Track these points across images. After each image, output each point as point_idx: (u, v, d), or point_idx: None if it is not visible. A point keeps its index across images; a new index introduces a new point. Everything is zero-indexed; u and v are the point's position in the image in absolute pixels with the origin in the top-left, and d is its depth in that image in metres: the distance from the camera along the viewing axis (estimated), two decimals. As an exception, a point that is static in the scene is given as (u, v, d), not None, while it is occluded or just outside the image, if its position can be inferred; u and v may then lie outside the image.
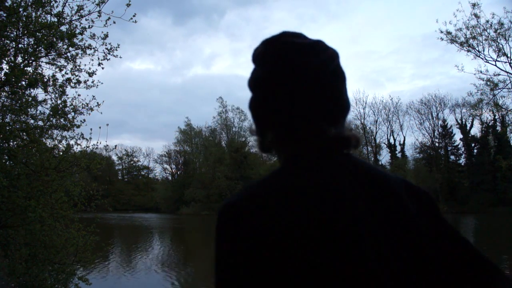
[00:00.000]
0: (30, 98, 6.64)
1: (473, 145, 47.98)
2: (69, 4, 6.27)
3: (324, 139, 0.83)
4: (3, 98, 6.52)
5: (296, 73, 0.83)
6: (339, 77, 0.86)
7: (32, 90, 6.68)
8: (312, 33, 0.90)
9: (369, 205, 0.80)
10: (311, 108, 0.83)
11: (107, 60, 6.83)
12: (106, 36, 6.59)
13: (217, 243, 0.77)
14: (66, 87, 6.80)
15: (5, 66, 6.20)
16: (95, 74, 6.90)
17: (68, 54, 6.83)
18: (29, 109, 6.52)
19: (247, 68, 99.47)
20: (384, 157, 55.28)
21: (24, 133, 6.18)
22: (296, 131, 0.84)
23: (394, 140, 53.33)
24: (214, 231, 0.79)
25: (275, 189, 0.78)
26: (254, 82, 0.89)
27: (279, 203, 0.75)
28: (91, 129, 6.74)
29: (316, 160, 0.83)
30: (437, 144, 51.44)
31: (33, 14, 6.22)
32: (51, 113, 6.38)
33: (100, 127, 6.76)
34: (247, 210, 0.75)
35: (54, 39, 6.28)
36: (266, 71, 0.86)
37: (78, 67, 6.95)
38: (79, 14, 6.28)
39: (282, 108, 0.83)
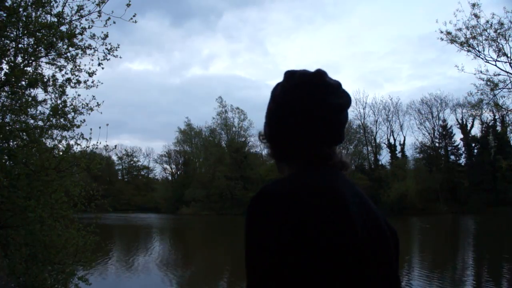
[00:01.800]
0: (30, 98, 6.63)
1: (473, 145, 47.95)
2: (69, 4, 6.25)
3: (331, 158, 1.02)
4: (3, 98, 6.52)
5: (322, 107, 0.99)
6: (346, 118, 1.05)
7: (32, 90, 6.68)
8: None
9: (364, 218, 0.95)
10: (325, 134, 1.01)
11: (107, 60, 6.80)
12: (106, 36, 6.56)
13: (257, 227, 0.87)
14: (66, 87, 6.79)
15: (5, 66, 6.20)
16: (95, 74, 6.89)
17: (68, 54, 6.81)
18: (29, 109, 6.51)
19: (245, 68, 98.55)
20: (384, 157, 55.29)
21: (24, 133, 6.18)
22: (315, 148, 1.00)
23: (394, 140, 53.36)
24: (252, 214, 0.88)
25: (306, 186, 0.91)
26: (293, 106, 1.01)
27: (313, 199, 0.88)
28: (91, 129, 6.73)
29: (327, 170, 1.00)
30: (437, 144, 51.43)
31: (33, 14, 6.21)
32: (51, 113, 6.37)
33: (100, 127, 6.74)
34: (290, 200, 0.87)
35: (54, 39, 6.27)
36: (306, 102, 1.00)
37: (78, 67, 6.93)
38: (79, 14, 6.27)
39: (307, 130, 0.99)
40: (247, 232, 0.88)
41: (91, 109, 6.86)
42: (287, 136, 1.02)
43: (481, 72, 13.85)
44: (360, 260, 0.88)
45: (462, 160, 49.84)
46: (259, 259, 0.84)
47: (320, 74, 1.02)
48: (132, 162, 75.78)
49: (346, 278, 0.86)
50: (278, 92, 1.04)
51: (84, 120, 6.79)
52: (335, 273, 0.85)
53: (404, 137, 60.68)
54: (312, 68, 1.05)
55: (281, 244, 0.83)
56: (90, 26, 6.34)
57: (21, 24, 6.14)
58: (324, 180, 0.96)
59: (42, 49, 6.53)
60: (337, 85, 1.03)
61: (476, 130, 54.27)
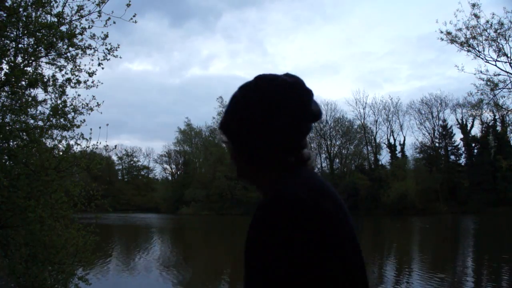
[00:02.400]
0: (30, 98, 6.63)
1: (473, 145, 47.95)
2: (69, 4, 6.25)
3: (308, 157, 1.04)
4: (3, 98, 6.52)
5: (305, 112, 1.00)
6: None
7: (32, 90, 6.68)
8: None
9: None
10: (301, 136, 1.03)
11: (107, 60, 6.78)
12: (106, 36, 6.55)
13: (279, 236, 0.82)
14: (66, 87, 6.78)
15: (5, 66, 6.19)
16: (95, 74, 6.88)
17: (68, 54, 6.80)
18: (29, 109, 6.51)
19: (244, 69, 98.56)
20: (384, 157, 55.31)
21: (24, 133, 6.17)
22: (297, 149, 1.02)
23: (394, 140, 53.36)
24: (273, 222, 0.83)
25: (317, 190, 0.92)
26: (268, 112, 0.99)
27: (325, 204, 0.90)
28: (91, 129, 6.72)
29: (312, 171, 1.03)
30: (437, 144, 51.43)
31: (33, 14, 6.21)
32: (51, 113, 6.36)
33: (100, 127, 6.73)
34: (310, 206, 0.87)
35: (54, 39, 6.27)
36: (283, 106, 0.99)
37: (78, 67, 6.92)
38: (79, 14, 6.26)
39: (294, 133, 1.00)
40: (262, 242, 0.83)
41: (91, 109, 6.85)
42: (273, 140, 0.98)
43: (481, 72, 13.85)
44: (358, 259, 0.94)
45: (462, 160, 49.91)
46: (278, 270, 0.81)
47: (301, 81, 1.04)
48: (132, 162, 75.87)
49: (352, 276, 0.90)
50: (260, 96, 1.00)
51: (84, 120, 6.79)
52: (347, 273, 0.89)
53: (404, 137, 60.86)
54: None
55: (305, 253, 0.83)
56: (90, 26, 6.34)
57: (21, 24, 6.14)
58: (321, 182, 0.98)
59: (42, 49, 6.53)
60: (312, 93, 1.05)
61: (476, 130, 54.36)
